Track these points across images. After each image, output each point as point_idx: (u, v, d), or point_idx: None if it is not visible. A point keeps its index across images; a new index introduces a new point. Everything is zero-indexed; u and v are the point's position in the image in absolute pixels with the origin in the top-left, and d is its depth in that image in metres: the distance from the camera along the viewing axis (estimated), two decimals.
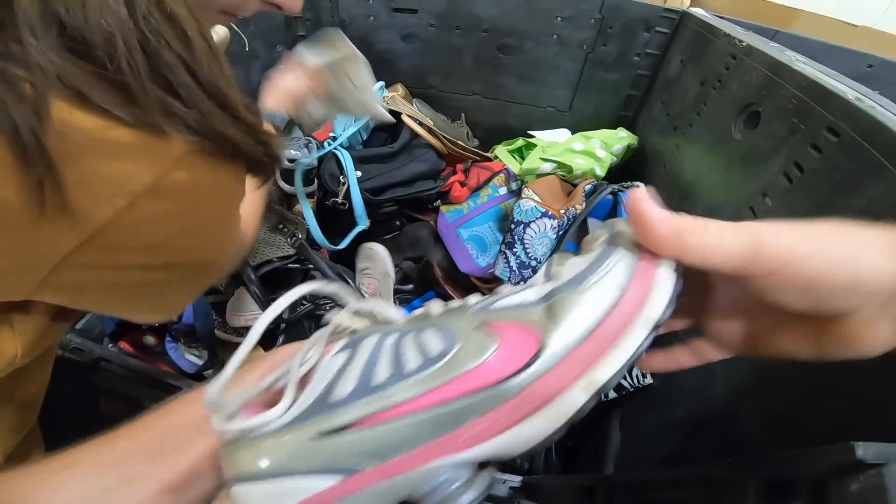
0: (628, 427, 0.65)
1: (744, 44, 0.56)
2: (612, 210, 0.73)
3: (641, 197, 0.21)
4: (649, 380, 0.62)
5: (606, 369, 0.19)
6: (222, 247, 0.35)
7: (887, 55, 0.78)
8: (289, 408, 0.22)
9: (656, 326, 0.20)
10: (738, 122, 0.53)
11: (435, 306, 0.25)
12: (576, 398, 0.19)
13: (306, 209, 0.79)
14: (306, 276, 0.80)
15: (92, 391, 0.58)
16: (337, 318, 0.26)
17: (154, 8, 0.23)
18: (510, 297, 0.23)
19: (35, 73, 0.19)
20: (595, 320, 0.20)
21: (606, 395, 0.63)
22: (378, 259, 0.89)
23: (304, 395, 0.22)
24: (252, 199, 0.54)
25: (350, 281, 0.79)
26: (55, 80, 0.20)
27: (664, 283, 0.20)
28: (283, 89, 0.66)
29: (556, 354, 0.19)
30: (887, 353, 0.20)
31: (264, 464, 0.20)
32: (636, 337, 0.19)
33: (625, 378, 0.63)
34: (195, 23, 0.25)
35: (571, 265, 0.23)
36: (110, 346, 0.74)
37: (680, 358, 0.27)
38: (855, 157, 0.37)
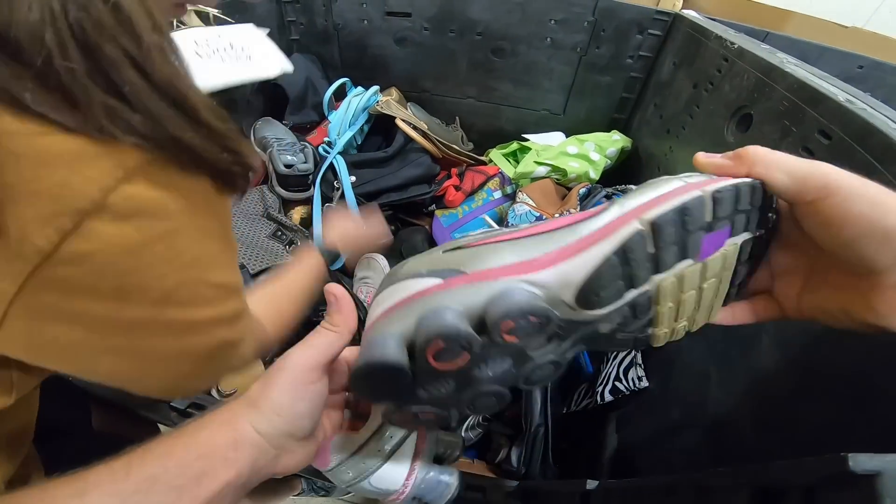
0: (625, 430, 0.65)
1: (735, 46, 0.56)
2: None
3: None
4: (645, 383, 0.61)
5: (657, 210, 0.22)
6: (212, 301, 0.30)
7: (878, 56, 0.78)
8: None
9: (714, 198, 0.23)
10: (730, 124, 0.53)
11: None
12: (630, 227, 0.23)
13: (317, 223, 0.78)
14: None
15: (83, 405, 0.57)
16: None
17: (101, 3, 0.20)
18: None
19: None
20: (661, 191, 0.24)
21: (603, 398, 0.63)
22: (378, 269, 0.89)
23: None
24: (288, 284, 0.51)
25: (347, 288, 0.79)
26: None
27: (720, 182, 0.24)
28: (345, 231, 0.66)
29: (620, 208, 0.24)
30: None
31: (424, 269, 0.26)
32: (689, 195, 0.23)
33: (620, 380, 0.63)
34: (144, 13, 0.22)
35: None
36: None
37: (741, 314, 0.29)
38: (847, 160, 0.37)
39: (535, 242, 0.25)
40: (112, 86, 0.21)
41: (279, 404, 0.27)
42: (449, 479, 0.38)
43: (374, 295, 0.29)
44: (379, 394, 0.28)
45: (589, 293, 0.23)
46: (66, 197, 0.20)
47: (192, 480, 0.24)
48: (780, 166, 0.23)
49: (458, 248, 0.27)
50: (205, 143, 0.25)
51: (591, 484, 0.35)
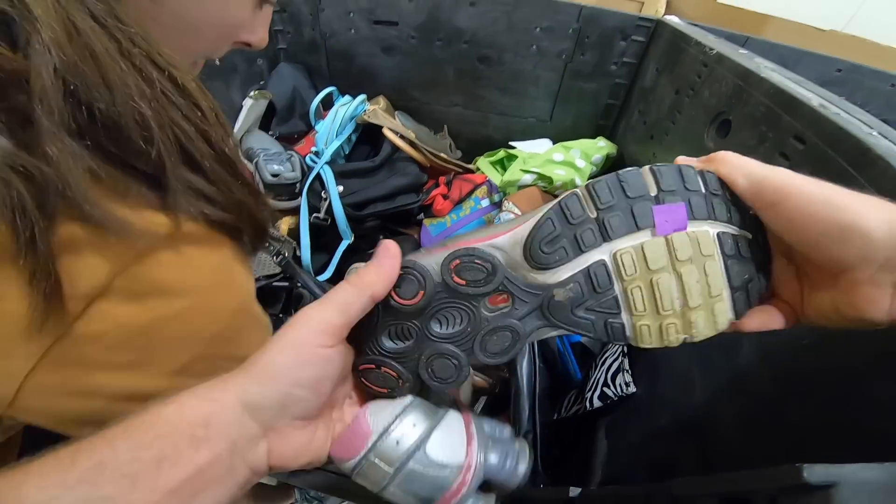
0: (615, 436, 0.65)
1: (714, 52, 0.56)
2: None
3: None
4: (633, 388, 0.61)
5: (597, 179, 0.25)
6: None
7: (856, 59, 0.79)
8: None
9: (653, 171, 0.25)
10: (710, 130, 0.53)
11: None
12: (569, 195, 0.25)
13: (304, 234, 0.78)
14: (292, 295, 0.80)
15: None
16: None
17: (168, 82, 0.22)
18: None
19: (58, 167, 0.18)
20: None
21: (592, 404, 0.63)
22: None
23: None
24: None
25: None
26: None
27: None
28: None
29: None
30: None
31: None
32: (630, 168, 0.25)
33: (608, 386, 0.63)
34: (203, 94, 0.24)
35: None
36: None
37: (768, 319, 0.29)
38: (821, 165, 0.37)
39: (508, 224, 0.27)
40: (191, 161, 0.23)
41: (276, 367, 0.23)
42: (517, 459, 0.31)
43: None
44: (354, 331, 0.26)
45: (534, 249, 0.25)
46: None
47: (148, 466, 0.19)
48: (742, 169, 0.24)
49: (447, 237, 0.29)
50: (254, 202, 0.27)
51: (574, 491, 0.35)
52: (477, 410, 0.77)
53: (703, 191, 0.25)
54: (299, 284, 0.76)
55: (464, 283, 0.25)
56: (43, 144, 0.19)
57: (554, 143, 0.92)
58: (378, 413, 0.27)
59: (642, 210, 0.24)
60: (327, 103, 0.99)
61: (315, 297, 0.73)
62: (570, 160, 0.80)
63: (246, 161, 0.86)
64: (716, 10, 0.88)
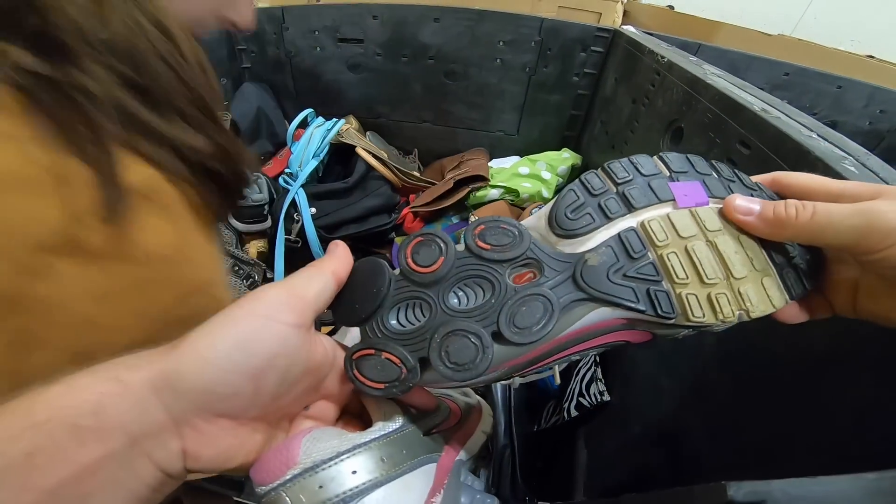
0: (593, 444, 0.65)
1: (665, 60, 0.57)
2: None
3: (735, 203, 0.24)
4: (607, 397, 0.61)
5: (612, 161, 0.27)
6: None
7: (803, 62, 0.82)
8: None
9: (658, 157, 0.27)
10: (665, 138, 0.54)
11: None
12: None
13: (279, 258, 0.77)
14: None
15: None
16: None
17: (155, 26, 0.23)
18: None
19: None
20: None
21: (570, 414, 0.63)
22: None
23: None
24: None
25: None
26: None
27: None
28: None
29: None
30: None
31: None
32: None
33: (583, 396, 0.63)
34: (188, 40, 0.25)
35: None
36: None
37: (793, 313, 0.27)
38: (764, 169, 0.37)
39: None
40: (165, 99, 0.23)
41: (209, 344, 0.18)
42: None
43: None
44: (353, 308, 0.24)
45: (560, 217, 0.24)
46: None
47: (16, 461, 0.15)
48: (831, 230, 0.21)
49: None
50: (231, 144, 0.27)
51: None
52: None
53: (717, 175, 0.26)
54: None
55: (489, 247, 0.23)
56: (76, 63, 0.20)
57: (522, 156, 0.93)
58: (320, 441, 0.22)
59: (660, 185, 0.25)
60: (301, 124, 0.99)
61: None
62: (536, 172, 0.80)
63: None
64: (670, 19, 0.90)
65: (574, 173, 0.88)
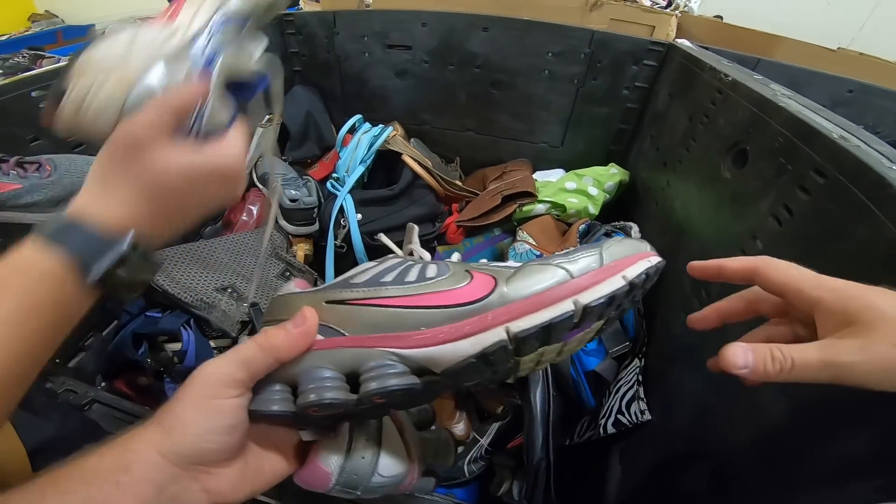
0: (628, 462, 0.64)
1: (729, 78, 0.56)
2: None
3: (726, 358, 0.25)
4: (647, 416, 0.61)
5: (523, 323, 0.25)
6: None
7: (865, 78, 0.79)
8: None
9: (585, 309, 0.25)
10: (726, 159, 0.52)
11: (454, 258, 0.32)
12: (492, 336, 0.25)
13: (329, 265, 0.78)
14: None
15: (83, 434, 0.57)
16: None
17: None
18: (503, 262, 0.32)
19: None
20: (540, 287, 0.26)
21: (606, 430, 0.62)
22: None
23: (336, 279, 0.31)
24: None
25: None
26: None
27: (612, 283, 0.26)
28: None
29: (496, 301, 0.26)
30: None
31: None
32: (560, 309, 0.25)
33: (623, 414, 0.62)
34: None
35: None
36: (103, 384, 0.73)
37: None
38: (841, 200, 0.36)
39: (414, 317, 0.27)
40: None
41: (183, 420, 0.24)
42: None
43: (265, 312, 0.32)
44: (272, 421, 0.28)
45: (454, 378, 0.26)
46: None
47: None
48: (806, 378, 0.24)
49: (342, 302, 0.29)
50: None
51: None
52: (488, 438, 0.77)
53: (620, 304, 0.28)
54: None
55: (384, 401, 0.27)
56: None
57: (566, 168, 0.92)
58: (330, 452, 0.31)
59: (557, 336, 0.27)
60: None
61: None
62: (582, 188, 0.80)
63: (261, 186, 0.87)
64: (727, 33, 0.88)
65: (622, 189, 0.86)
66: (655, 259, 0.29)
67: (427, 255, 0.37)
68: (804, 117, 0.43)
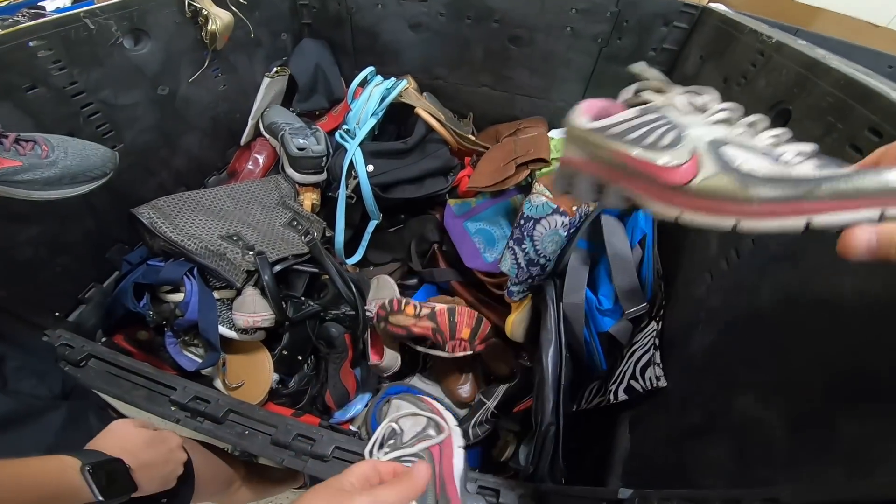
0: (639, 432, 0.64)
1: (773, 40, 0.54)
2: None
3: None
4: (663, 382, 0.60)
5: None
6: None
7: None
8: None
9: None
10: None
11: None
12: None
13: (340, 218, 0.76)
14: (312, 281, 0.77)
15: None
16: None
17: None
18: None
19: None
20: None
21: (616, 397, 0.62)
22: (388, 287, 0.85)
23: None
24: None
25: (353, 288, 0.75)
26: None
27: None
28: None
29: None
30: None
31: None
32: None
33: (636, 379, 0.62)
34: None
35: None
36: (103, 339, 0.72)
37: None
38: None
39: None
40: None
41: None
42: None
43: None
44: None
45: None
46: None
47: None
48: None
49: None
50: None
51: (625, 493, 0.33)
52: (495, 400, 0.76)
53: None
54: (317, 272, 0.74)
55: None
56: None
57: None
58: None
59: None
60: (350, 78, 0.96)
61: (340, 292, 0.71)
62: None
63: (269, 136, 0.84)
64: (764, 1, 0.84)
65: None
66: None
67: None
68: (857, 78, 0.41)
